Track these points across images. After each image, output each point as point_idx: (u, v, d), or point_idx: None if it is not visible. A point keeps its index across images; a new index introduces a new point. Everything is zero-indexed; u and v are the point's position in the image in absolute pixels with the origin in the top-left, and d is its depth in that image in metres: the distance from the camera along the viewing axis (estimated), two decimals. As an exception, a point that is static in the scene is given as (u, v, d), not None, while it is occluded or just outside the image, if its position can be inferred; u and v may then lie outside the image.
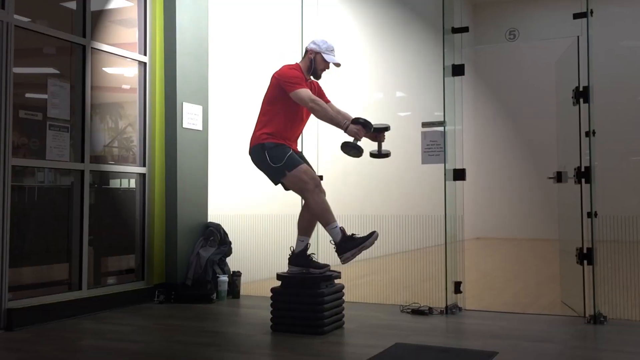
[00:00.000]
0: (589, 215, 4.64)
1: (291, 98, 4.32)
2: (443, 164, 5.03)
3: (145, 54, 5.79)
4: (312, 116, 4.56)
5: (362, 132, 4.26)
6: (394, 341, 3.98)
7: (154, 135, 5.78)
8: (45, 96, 4.90)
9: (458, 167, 5.12)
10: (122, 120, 5.88)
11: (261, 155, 4.34)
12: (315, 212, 4.31)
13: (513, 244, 12.39)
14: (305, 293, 4.29)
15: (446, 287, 4.98)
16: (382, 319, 4.80)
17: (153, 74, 5.80)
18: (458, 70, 5.15)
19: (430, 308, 4.97)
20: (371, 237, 4.19)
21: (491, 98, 14.13)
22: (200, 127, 6.02)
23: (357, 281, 6.32)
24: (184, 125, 5.84)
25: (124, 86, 5.96)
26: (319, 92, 4.61)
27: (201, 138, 6.04)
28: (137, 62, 5.78)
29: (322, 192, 4.34)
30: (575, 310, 4.90)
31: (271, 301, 4.39)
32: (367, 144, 4.45)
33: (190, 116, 5.89)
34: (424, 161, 5.13)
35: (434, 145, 5.07)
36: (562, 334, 4.26)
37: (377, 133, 4.43)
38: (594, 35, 4.68)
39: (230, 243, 5.98)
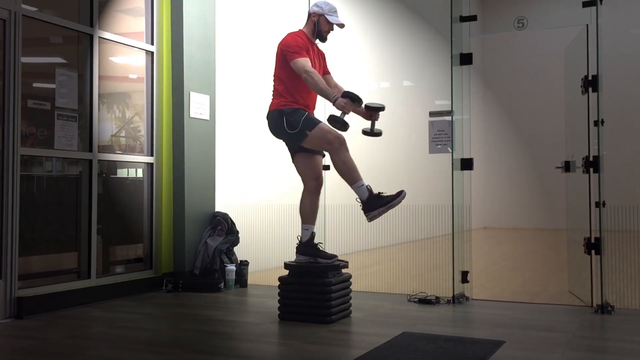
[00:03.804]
0: (597, 205, 4.63)
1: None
2: (450, 154, 5.02)
3: (152, 44, 5.79)
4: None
5: (349, 106, 4.21)
6: (401, 330, 4.00)
7: (162, 125, 5.79)
8: (53, 86, 4.92)
9: (465, 156, 5.11)
10: (129, 109, 5.89)
11: (278, 121, 4.32)
12: (341, 171, 4.26)
13: (520, 234, 12.37)
14: (313, 282, 4.30)
15: (453, 276, 4.99)
16: (389, 308, 4.81)
17: (160, 63, 5.80)
18: (466, 59, 5.13)
19: (437, 297, 4.98)
20: (399, 196, 4.16)
21: (499, 87, 14.06)
22: (207, 117, 6.02)
23: (364, 270, 6.33)
24: (192, 115, 5.84)
25: (131, 75, 5.97)
26: (323, 61, 4.61)
27: (208, 127, 6.05)
28: (144, 51, 5.78)
29: (347, 149, 4.27)
30: (582, 300, 4.90)
31: (279, 290, 4.41)
32: (362, 123, 4.47)
33: (197, 105, 5.90)
34: (431, 150, 5.12)
35: (441, 134, 5.06)
36: (569, 323, 4.26)
37: (372, 112, 4.40)
38: (603, 24, 4.65)
39: (237, 232, 6.00)
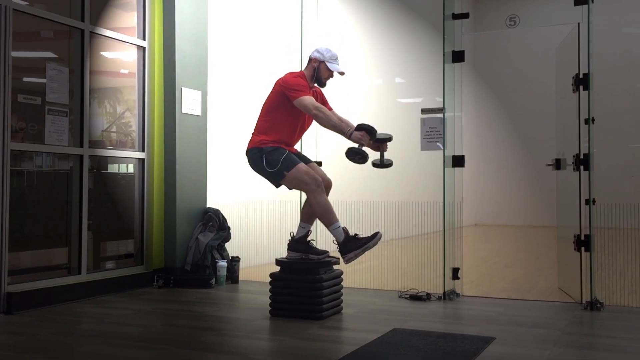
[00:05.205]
0: (587, 202, 4.66)
1: (294, 106, 4.31)
2: (442, 151, 5.03)
3: (144, 39, 5.77)
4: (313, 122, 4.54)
5: (366, 138, 4.24)
6: (392, 326, 4.01)
7: (153, 121, 5.77)
8: (43, 80, 4.89)
9: (457, 153, 5.13)
10: (121, 105, 5.87)
11: (258, 160, 4.34)
12: (317, 213, 4.31)
13: (511, 231, 12.43)
14: (304, 279, 4.31)
15: (444, 273, 5.01)
16: (380, 305, 4.82)
17: (152, 58, 5.78)
18: (458, 56, 5.14)
19: (428, 294, 5.00)
20: (375, 238, 4.21)
21: (491, 85, 14.10)
22: (199, 113, 6.01)
23: (355, 267, 6.33)
24: (183, 111, 5.83)
25: (123, 71, 5.94)
26: (322, 100, 4.59)
27: (200, 123, 6.04)
28: (136, 46, 5.75)
29: (324, 192, 4.32)
30: (572, 297, 4.93)
31: (270, 286, 4.42)
32: (370, 154, 4.43)
33: (189, 101, 5.88)
34: (423, 148, 5.14)
35: (433, 131, 5.07)
36: (559, 320, 4.29)
37: (380, 143, 4.41)
38: (594, 22, 4.67)
39: (229, 228, 6.00)
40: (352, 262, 4.28)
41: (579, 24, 4.75)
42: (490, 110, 14.10)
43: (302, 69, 4.60)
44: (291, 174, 4.27)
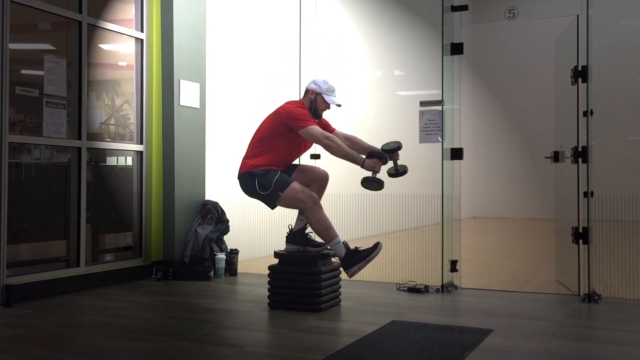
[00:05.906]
0: (585, 194, 4.66)
1: (294, 135, 4.29)
2: (440, 143, 5.03)
3: (142, 31, 5.75)
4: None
5: (379, 165, 4.22)
6: (390, 319, 4.02)
7: (151, 113, 5.76)
8: (41, 73, 4.87)
9: (455, 146, 5.12)
10: (119, 97, 5.86)
11: (250, 183, 4.33)
12: (316, 230, 4.31)
13: (509, 224, 12.44)
14: (303, 271, 4.31)
15: (442, 265, 5.02)
16: (379, 297, 4.84)
17: (150, 50, 5.76)
18: (457, 49, 5.13)
19: (426, 286, 5.01)
20: (376, 249, 4.22)
21: (490, 77, 14.07)
22: (197, 105, 6.00)
23: (353, 259, 6.34)
24: (181, 103, 5.81)
25: (121, 63, 5.92)
26: (323, 124, 4.57)
27: (198, 116, 6.02)
28: (134, 38, 5.74)
29: (321, 208, 4.32)
30: (569, 289, 4.95)
31: (268, 279, 4.42)
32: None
33: (187, 94, 5.87)
34: (421, 140, 5.13)
35: (431, 124, 5.06)
36: (557, 312, 4.30)
37: (390, 154, 4.38)
38: (593, 14, 4.66)
39: (227, 221, 6.00)
40: (356, 274, 4.27)
41: (578, 16, 4.74)
42: (489, 103, 14.09)
43: (301, 98, 4.59)
44: (286, 194, 4.26)
